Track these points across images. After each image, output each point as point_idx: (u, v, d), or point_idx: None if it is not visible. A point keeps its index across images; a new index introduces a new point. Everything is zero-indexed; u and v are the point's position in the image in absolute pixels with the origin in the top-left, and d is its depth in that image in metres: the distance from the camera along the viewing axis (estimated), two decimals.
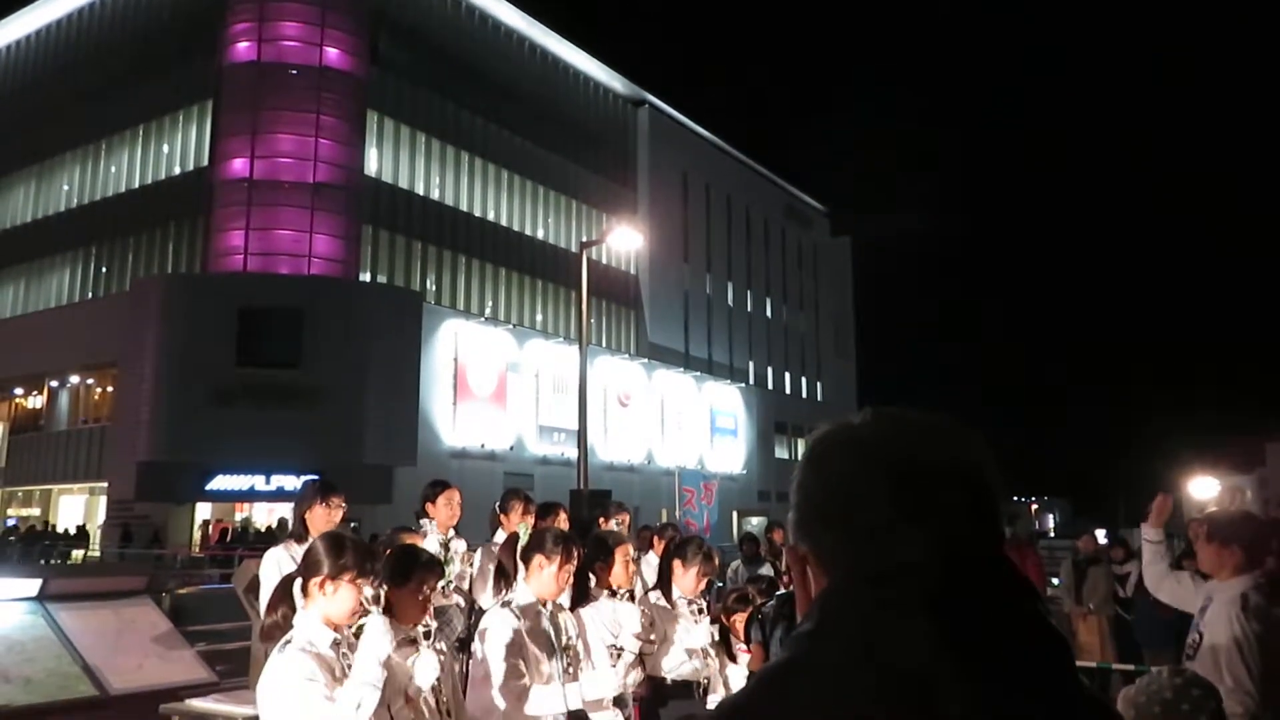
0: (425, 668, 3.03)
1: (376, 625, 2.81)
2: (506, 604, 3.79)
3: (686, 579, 4.60)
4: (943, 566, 0.83)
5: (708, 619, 4.62)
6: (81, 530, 30.07)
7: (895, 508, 0.86)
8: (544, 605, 3.78)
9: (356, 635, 2.85)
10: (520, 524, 5.91)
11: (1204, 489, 31.58)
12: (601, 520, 6.76)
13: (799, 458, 0.97)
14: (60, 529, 30.89)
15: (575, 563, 3.85)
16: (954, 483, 0.88)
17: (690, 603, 4.62)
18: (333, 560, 2.88)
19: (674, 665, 4.44)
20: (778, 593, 4.83)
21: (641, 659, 4.25)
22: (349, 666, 2.81)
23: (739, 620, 4.96)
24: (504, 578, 4.16)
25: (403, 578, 3.22)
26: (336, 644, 2.83)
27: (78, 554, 28.30)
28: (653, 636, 4.37)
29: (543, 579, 3.76)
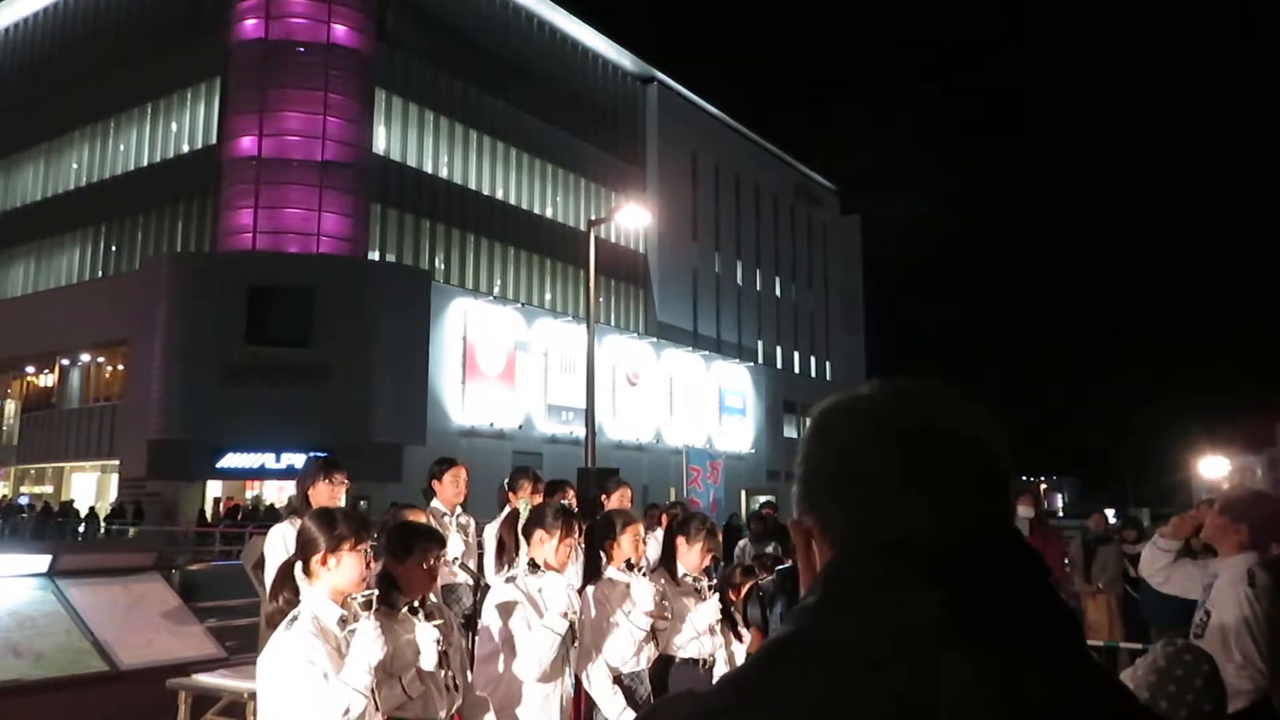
0: (425, 644, 3.05)
1: (367, 630, 2.76)
2: (511, 579, 3.80)
3: (690, 556, 4.59)
4: (953, 538, 0.82)
5: (716, 596, 4.62)
6: (120, 508, 29.84)
7: (906, 477, 0.84)
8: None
9: (365, 606, 2.86)
10: (521, 501, 5.93)
11: (1214, 468, 31.51)
12: (603, 497, 6.76)
13: (806, 431, 0.95)
14: (78, 507, 31.08)
15: (576, 536, 3.87)
16: (966, 453, 0.86)
17: (695, 580, 4.62)
18: (328, 534, 2.90)
19: (683, 643, 4.44)
20: (778, 568, 4.83)
21: (655, 636, 4.26)
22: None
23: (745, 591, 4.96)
24: (505, 553, 4.17)
25: (405, 551, 3.24)
26: (343, 620, 2.85)
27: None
28: (667, 615, 4.37)
29: (545, 553, 3.78)
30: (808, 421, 0.96)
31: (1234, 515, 3.59)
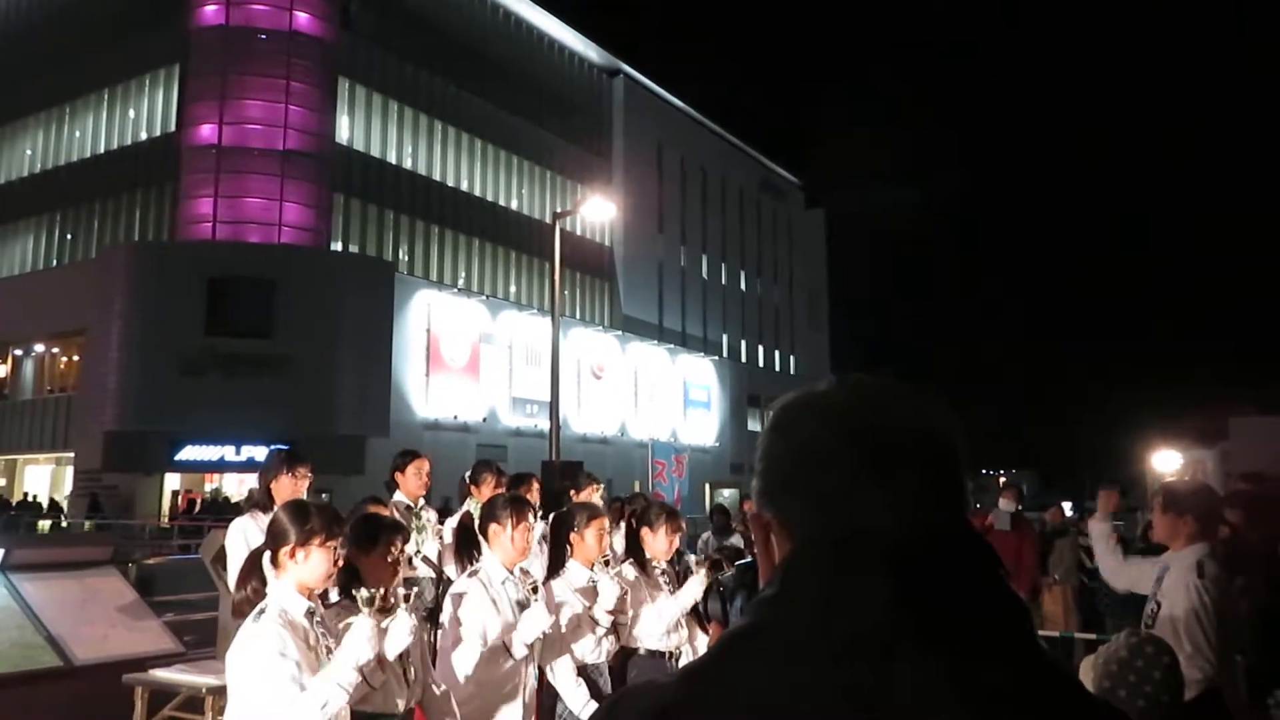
0: (399, 632, 3.03)
1: (364, 629, 2.74)
2: (473, 573, 3.81)
3: (658, 543, 4.62)
4: (907, 533, 0.83)
5: (685, 593, 4.62)
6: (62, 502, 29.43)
7: (861, 473, 0.85)
8: (510, 573, 3.81)
9: (368, 603, 2.84)
10: (471, 501, 5.92)
11: (1167, 462, 32.07)
12: (573, 493, 6.76)
13: (766, 426, 0.96)
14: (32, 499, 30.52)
15: (530, 521, 3.91)
16: (921, 450, 0.88)
17: (663, 571, 4.64)
18: (299, 527, 2.88)
19: (647, 635, 4.45)
20: (738, 562, 4.84)
21: (616, 629, 4.27)
22: (323, 634, 2.81)
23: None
24: (465, 550, 4.19)
25: (370, 543, 3.23)
26: (310, 613, 2.83)
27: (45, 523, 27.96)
28: (628, 609, 4.37)
29: (503, 545, 3.82)
30: (771, 414, 0.97)
31: (1178, 509, 3.66)
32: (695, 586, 4.48)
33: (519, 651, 3.66)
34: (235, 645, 2.77)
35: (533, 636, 3.69)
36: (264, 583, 2.95)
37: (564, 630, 4.06)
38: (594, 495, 6.66)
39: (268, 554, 2.95)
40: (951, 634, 0.78)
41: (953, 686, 0.76)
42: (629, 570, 4.60)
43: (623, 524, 6.60)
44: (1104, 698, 2.25)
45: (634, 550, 4.70)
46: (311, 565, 2.87)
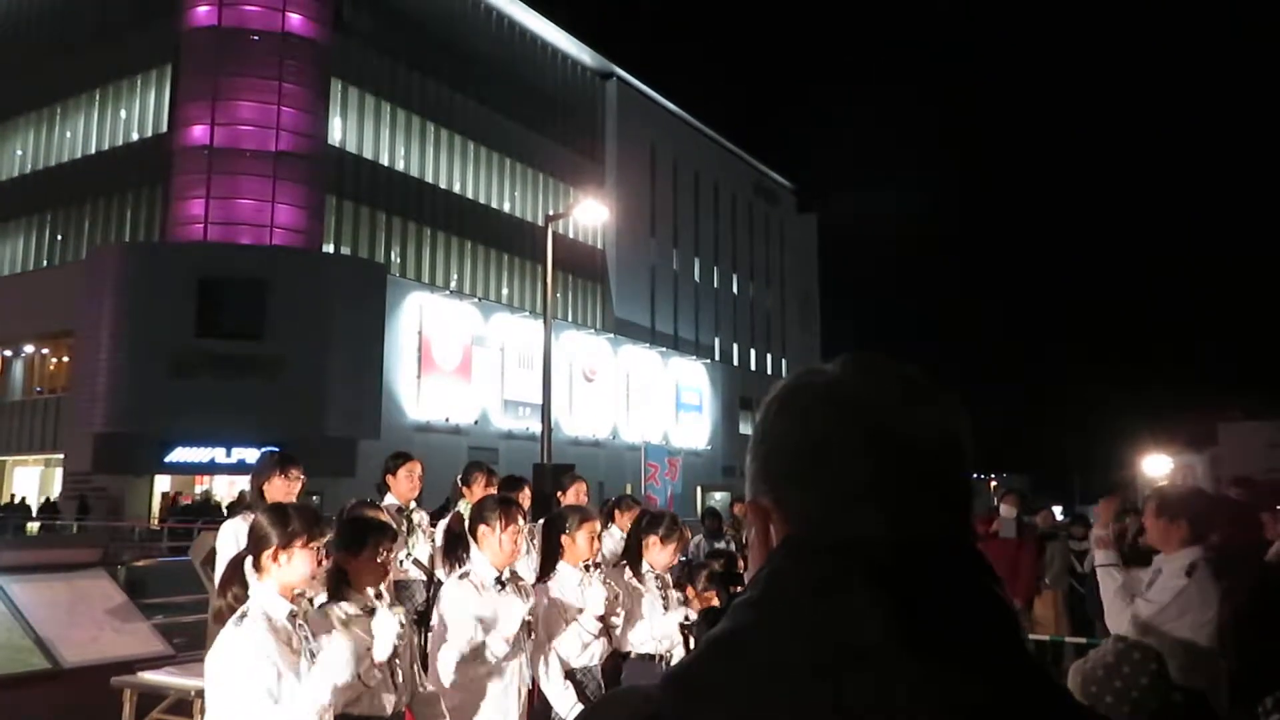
0: (384, 631, 3.02)
1: (341, 648, 2.73)
2: (464, 575, 3.81)
3: (663, 555, 4.61)
4: (903, 541, 0.81)
5: (679, 598, 4.61)
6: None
7: (870, 481, 0.82)
8: (500, 573, 3.82)
9: (344, 623, 2.83)
10: (462, 503, 5.91)
11: (1157, 466, 32.22)
12: (559, 494, 6.75)
13: (768, 403, 0.90)
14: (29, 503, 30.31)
15: (519, 523, 3.92)
16: (935, 459, 0.84)
17: (659, 578, 4.63)
18: (280, 530, 2.88)
19: (639, 641, 4.44)
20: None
21: (608, 633, 4.27)
22: (305, 638, 2.81)
23: (712, 600, 4.97)
24: (454, 551, 4.19)
25: (358, 545, 3.22)
26: (293, 615, 2.82)
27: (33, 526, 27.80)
28: (619, 612, 4.37)
29: (492, 546, 3.83)
30: (776, 392, 0.90)
31: (1171, 514, 3.66)
32: (681, 612, 4.47)
33: (499, 650, 3.66)
34: (215, 648, 2.77)
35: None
36: (245, 589, 2.95)
37: (555, 632, 4.06)
38: (580, 495, 6.65)
39: (249, 558, 2.95)
40: (945, 648, 0.76)
41: (945, 701, 0.74)
42: (623, 575, 4.60)
43: (614, 526, 6.61)
44: (1090, 704, 2.25)
45: (632, 555, 4.69)
46: (294, 567, 2.86)
